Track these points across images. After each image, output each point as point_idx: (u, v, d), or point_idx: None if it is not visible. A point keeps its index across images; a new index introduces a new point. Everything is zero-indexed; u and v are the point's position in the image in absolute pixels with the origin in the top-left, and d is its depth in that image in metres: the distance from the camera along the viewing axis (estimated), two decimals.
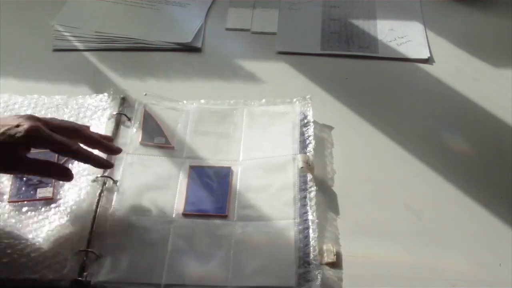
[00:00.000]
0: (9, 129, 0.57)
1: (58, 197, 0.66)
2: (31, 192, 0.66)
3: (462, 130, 0.76)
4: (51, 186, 0.67)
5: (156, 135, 0.73)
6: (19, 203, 0.66)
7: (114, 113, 0.74)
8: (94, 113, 0.75)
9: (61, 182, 0.67)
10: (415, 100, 0.80)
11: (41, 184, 0.67)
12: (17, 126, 0.57)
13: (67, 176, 0.63)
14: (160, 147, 0.72)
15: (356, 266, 0.61)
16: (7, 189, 0.67)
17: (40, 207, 0.65)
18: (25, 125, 0.58)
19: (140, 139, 0.72)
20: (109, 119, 0.74)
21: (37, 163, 0.62)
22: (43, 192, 0.66)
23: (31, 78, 0.83)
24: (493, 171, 0.71)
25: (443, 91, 0.81)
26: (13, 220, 0.64)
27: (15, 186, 0.67)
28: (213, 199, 0.66)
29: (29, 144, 0.60)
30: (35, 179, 0.67)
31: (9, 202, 0.66)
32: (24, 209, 0.65)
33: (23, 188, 0.67)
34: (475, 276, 0.60)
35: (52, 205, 0.65)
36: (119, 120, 0.74)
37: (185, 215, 0.65)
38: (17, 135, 0.57)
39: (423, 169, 0.71)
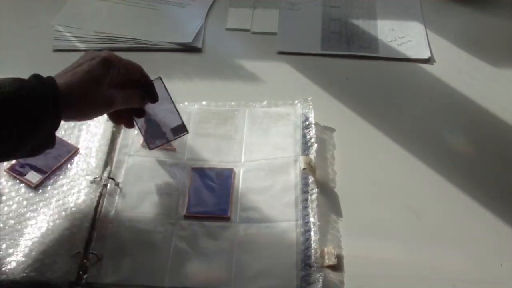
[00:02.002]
0: (88, 63, 0.61)
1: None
2: None
3: (462, 130, 0.76)
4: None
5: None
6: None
7: None
8: None
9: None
10: (416, 100, 0.80)
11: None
12: (92, 59, 0.61)
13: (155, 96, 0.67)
14: (162, 149, 0.72)
15: (357, 267, 0.61)
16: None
17: (39, 207, 0.65)
18: (99, 54, 0.62)
19: (141, 141, 0.72)
20: (108, 120, 0.73)
21: (127, 92, 0.64)
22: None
23: None
24: (493, 171, 0.71)
25: (444, 91, 0.81)
26: (12, 221, 0.64)
27: None
28: (215, 201, 0.66)
29: (109, 68, 0.61)
30: None
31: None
32: (24, 209, 0.65)
33: None
34: (476, 276, 0.60)
35: (51, 206, 0.65)
36: None
37: (187, 217, 0.65)
38: (95, 61, 0.61)
39: (424, 169, 0.71)
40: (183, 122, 0.69)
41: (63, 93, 0.57)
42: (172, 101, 0.69)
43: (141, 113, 0.68)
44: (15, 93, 0.54)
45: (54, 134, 0.58)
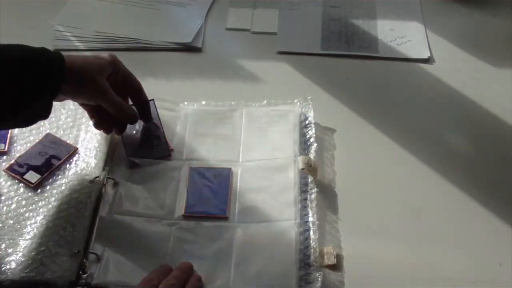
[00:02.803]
0: (96, 57, 0.65)
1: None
2: None
3: (462, 130, 0.76)
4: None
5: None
6: None
7: None
8: None
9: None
10: (415, 100, 0.80)
11: None
12: (101, 54, 0.67)
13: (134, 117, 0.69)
14: None
15: (357, 266, 0.61)
16: None
17: (38, 207, 0.65)
18: (107, 54, 0.67)
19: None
20: None
21: (120, 98, 0.67)
22: None
23: None
24: (493, 171, 0.71)
25: (443, 91, 0.81)
26: (11, 221, 0.64)
27: None
28: (214, 200, 0.66)
29: (114, 64, 0.66)
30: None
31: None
32: (23, 209, 0.65)
33: None
34: (475, 276, 0.60)
35: (51, 205, 0.65)
36: None
37: (185, 216, 0.65)
38: (104, 57, 0.65)
39: (424, 169, 0.71)
40: (167, 147, 0.71)
41: (69, 68, 0.60)
42: (161, 124, 0.72)
43: (121, 129, 0.70)
44: (24, 55, 0.57)
45: (51, 104, 0.61)
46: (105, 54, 0.66)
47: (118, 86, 0.67)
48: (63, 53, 0.61)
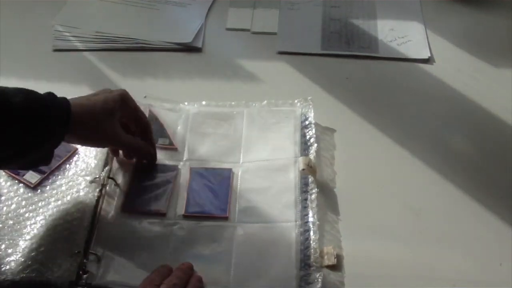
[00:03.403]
0: (105, 94, 0.62)
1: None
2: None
3: (462, 130, 0.76)
4: None
5: (160, 136, 0.73)
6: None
7: None
8: None
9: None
10: (415, 100, 0.80)
11: None
12: (110, 92, 0.63)
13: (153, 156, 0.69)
14: (163, 148, 0.72)
15: (357, 267, 0.61)
16: None
17: (38, 208, 0.65)
18: (116, 91, 0.64)
19: None
20: None
21: (133, 137, 0.65)
22: None
23: (31, 78, 0.83)
24: (493, 171, 0.71)
25: (443, 91, 0.81)
26: (11, 222, 0.64)
27: None
28: (214, 201, 0.66)
29: (124, 105, 0.63)
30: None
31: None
32: (23, 210, 0.65)
33: None
34: (475, 276, 0.60)
35: (50, 206, 0.65)
36: None
37: (186, 216, 0.65)
38: (112, 94, 0.62)
39: (424, 169, 0.71)
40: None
41: (75, 116, 0.57)
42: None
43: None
44: (26, 105, 0.54)
45: (53, 151, 0.59)
46: (116, 92, 0.63)
47: (129, 120, 0.66)
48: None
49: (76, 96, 0.61)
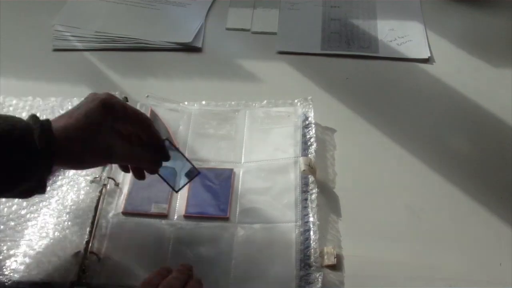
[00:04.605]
0: (86, 106, 0.55)
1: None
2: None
3: (462, 130, 0.76)
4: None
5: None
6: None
7: None
8: None
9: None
10: (415, 100, 0.80)
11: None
12: (92, 100, 0.56)
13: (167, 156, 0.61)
14: None
15: (357, 267, 0.61)
16: None
17: (39, 208, 0.65)
18: (99, 96, 0.56)
19: None
20: None
21: (130, 148, 0.58)
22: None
23: (31, 78, 0.83)
24: (493, 171, 0.71)
25: (443, 91, 0.81)
26: (12, 223, 0.64)
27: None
28: (215, 201, 0.66)
29: (109, 113, 0.56)
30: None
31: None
32: (24, 211, 0.65)
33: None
34: (475, 276, 0.60)
35: (51, 206, 0.65)
36: None
37: (186, 217, 0.65)
38: (93, 104, 0.55)
39: (424, 169, 0.71)
40: (193, 166, 0.65)
41: (59, 140, 0.52)
42: (182, 153, 0.65)
43: (152, 170, 0.62)
44: (6, 134, 0.50)
45: (46, 181, 0.54)
46: (96, 100, 0.55)
47: (128, 128, 0.58)
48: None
49: (62, 113, 0.56)
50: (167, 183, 0.64)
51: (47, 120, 0.53)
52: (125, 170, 0.64)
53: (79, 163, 0.57)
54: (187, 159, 0.65)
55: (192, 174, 0.65)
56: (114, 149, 0.57)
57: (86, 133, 0.54)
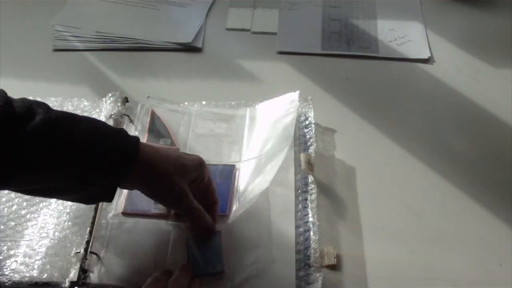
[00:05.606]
0: (179, 151, 0.60)
1: None
2: None
3: (462, 130, 0.76)
4: None
5: (162, 137, 0.73)
6: None
7: (113, 114, 0.74)
8: (90, 115, 0.75)
9: None
10: (415, 100, 0.80)
11: None
12: (184, 152, 0.62)
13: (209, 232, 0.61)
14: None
15: (357, 267, 0.61)
16: None
17: (39, 208, 0.65)
18: (193, 155, 0.61)
19: (145, 140, 0.71)
20: (107, 120, 0.73)
21: (200, 206, 0.59)
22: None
23: (31, 78, 0.83)
24: (493, 171, 0.71)
25: (443, 91, 0.81)
26: (12, 223, 0.64)
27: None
28: None
29: (200, 170, 0.59)
30: None
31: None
32: (24, 211, 0.65)
33: None
34: (475, 276, 0.60)
35: (51, 206, 0.65)
36: (119, 122, 0.74)
37: None
38: (190, 156, 0.60)
39: (424, 169, 0.71)
40: (222, 264, 0.60)
41: (143, 155, 0.54)
42: (221, 247, 0.61)
43: (206, 234, 0.62)
44: (98, 132, 0.53)
45: (115, 189, 0.55)
46: (194, 156, 0.60)
47: (196, 195, 0.59)
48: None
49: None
50: (187, 255, 0.60)
51: (136, 136, 0.56)
52: (178, 219, 0.64)
53: (151, 189, 0.57)
54: (220, 254, 0.61)
55: (215, 270, 0.60)
56: (188, 198, 0.57)
57: (170, 170, 0.56)
